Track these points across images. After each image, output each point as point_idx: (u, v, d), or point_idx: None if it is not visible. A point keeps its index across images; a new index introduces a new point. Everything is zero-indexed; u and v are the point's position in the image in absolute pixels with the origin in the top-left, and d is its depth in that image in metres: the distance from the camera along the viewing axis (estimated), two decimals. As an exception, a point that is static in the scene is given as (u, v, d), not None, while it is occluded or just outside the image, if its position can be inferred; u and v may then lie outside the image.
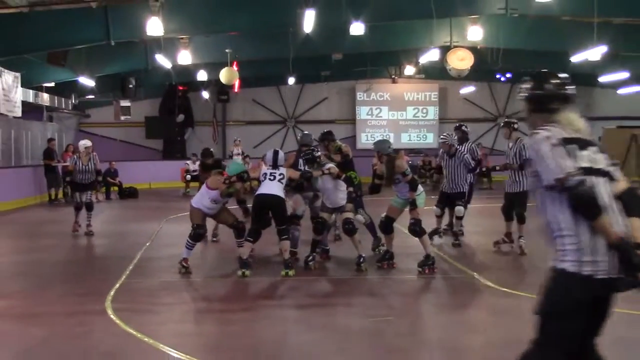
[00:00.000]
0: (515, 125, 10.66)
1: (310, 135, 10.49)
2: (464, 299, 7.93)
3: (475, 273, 8.93)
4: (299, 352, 6.05)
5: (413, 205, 8.89)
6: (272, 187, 8.82)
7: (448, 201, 11.17)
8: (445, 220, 11.75)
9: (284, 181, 8.95)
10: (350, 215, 9.33)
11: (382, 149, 9.16)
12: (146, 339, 6.12)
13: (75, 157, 13.33)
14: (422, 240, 9.06)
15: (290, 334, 6.65)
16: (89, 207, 12.86)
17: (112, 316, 6.93)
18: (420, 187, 9.09)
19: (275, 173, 8.93)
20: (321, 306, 7.63)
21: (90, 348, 6.13)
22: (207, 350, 5.95)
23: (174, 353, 5.77)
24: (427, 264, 8.91)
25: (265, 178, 8.93)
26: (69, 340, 6.33)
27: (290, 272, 8.67)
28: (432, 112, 30.11)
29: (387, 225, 9.26)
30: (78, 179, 12.92)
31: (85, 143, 13.28)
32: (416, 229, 8.92)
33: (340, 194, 9.28)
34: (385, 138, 9.66)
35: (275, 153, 9.09)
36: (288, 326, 6.93)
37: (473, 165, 11.18)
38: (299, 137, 10.37)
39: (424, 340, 6.34)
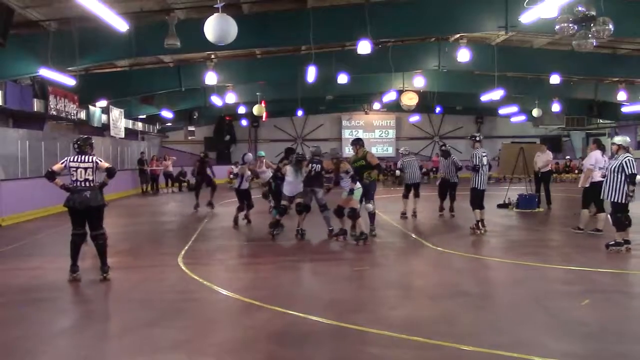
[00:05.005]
0: (479, 138, 9.41)
1: (319, 148, 9.15)
2: (413, 255, 7.88)
3: (416, 236, 8.89)
4: (306, 290, 6.03)
5: (351, 193, 8.32)
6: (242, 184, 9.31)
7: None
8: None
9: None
10: (300, 200, 8.76)
11: (333, 155, 8.78)
12: (206, 283, 6.10)
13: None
14: (358, 223, 8.31)
15: (301, 278, 6.63)
16: None
17: (183, 267, 6.91)
18: (358, 184, 8.40)
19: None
20: (321, 260, 7.57)
21: (168, 288, 6.09)
22: (245, 289, 5.90)
23: (224, 291, 5.74)
24: (362, 238, 8.26)
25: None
26: (155, 283, 6.30)
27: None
28: (391, 133, 30.07)
29: (340, 212, 8.55)
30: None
31: None
32: (352, 214, 8.30)
33: (298, 186, 8.76)
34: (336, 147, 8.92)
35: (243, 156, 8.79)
36: (299, 273, 6.90)
37: (460, 166, 11.31)
38: (311, 149, 8.99)
39: (387, 282, 6.28)
